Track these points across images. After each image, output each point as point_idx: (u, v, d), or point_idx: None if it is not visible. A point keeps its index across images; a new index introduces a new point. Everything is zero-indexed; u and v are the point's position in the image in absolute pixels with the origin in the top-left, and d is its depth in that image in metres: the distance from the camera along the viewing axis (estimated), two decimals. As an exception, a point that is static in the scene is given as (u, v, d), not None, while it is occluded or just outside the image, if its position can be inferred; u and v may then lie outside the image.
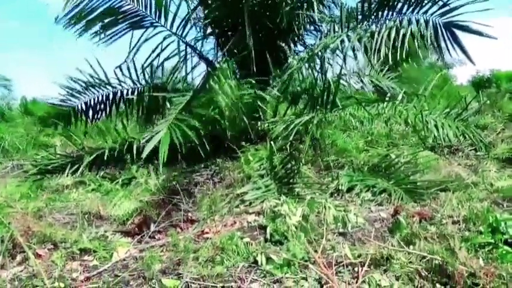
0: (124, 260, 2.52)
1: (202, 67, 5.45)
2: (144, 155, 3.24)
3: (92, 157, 5.06)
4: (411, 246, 2.29)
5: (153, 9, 4.73)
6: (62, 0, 4.34)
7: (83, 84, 5.64)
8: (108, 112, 6.03)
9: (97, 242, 2.71)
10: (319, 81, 5.07)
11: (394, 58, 4.23)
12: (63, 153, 5.94)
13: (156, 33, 4.87)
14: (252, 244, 2.49)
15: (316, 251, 2.19)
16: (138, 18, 4.77)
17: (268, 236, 2.59)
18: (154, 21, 4.84)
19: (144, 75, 5.52)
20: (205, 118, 4.19)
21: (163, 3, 4.58)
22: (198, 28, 5.37)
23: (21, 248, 2.49)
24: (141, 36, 4.76)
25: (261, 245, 2.48)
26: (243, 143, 4.56)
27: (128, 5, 4.66)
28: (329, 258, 2.21)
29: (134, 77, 5.50)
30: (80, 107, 6.01)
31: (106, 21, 4.64)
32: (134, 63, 5.22)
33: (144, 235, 2.96)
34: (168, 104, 5.01)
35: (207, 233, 2.99)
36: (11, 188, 4.29)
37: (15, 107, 10.82)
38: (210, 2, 5.00)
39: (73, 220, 3.21)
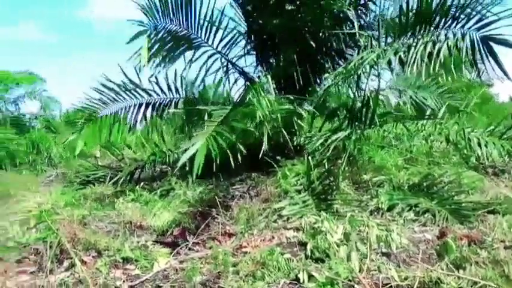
0: (165, 270, 2.54)
1: (242, 82, 5.62)
2: (179, 164, 3.28)
3: (131, 168, 5.21)
4: (461, 271, 2.17)
5: (202, 32, 5.04)
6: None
7: (123, 93, 5.81)
8: (146, 123, 6.19)
9: (138, 251, 2.75)
10: (357, 96, 5.01)
11: (428, 73, 4.15)
12: (104, 164, 6.17)
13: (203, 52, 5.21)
14: (292, 260, 2.45)
15: (360, 271, 2.12)
16: (189, 40, 5.09)
17: (308, 252, 2.54)
18: (203, 42, 5.11)
19: (182, 87, 5.68)
20: (242, 132, 4.21)
21: (211, 27, 4.89)
22: (239, 45, 5.56)
23: (67, 254, 2.57)
24: (192, 56, 5.12)
25: (302, 261, 2.43)
26: (279, 158, 4.55)
27: (184, 31, 5.03)
28: (374, 279, 2.14)
29: (173, 88, 5.67)
30: (119, 118, 6.19)
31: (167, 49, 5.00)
32: (180, 76, 5.46)
33: (182, 246, 2.98)
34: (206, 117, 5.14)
35: (245, 247, 2.98)
36: (56, 196, 4.46)
37: (57, 117, 11.36)
38: (251, 20, 5.15)
39: (115, 229, 3.28)
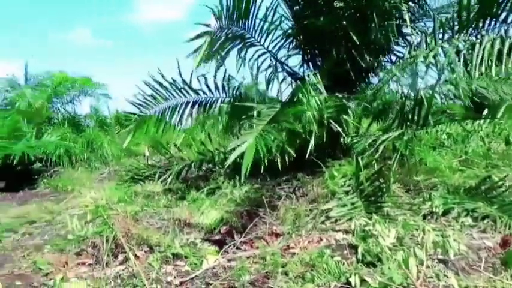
0: (214, 268, 2.57)
1: (289, 81, 5.61)
2: (228, 163, 3.27)
3: (179, 167, 5.35)
4: (529, 282, 2.01)
5: (257, 31, 5.08)
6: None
7: (172, 92, 5.93)
8: (193, 122, 6.31)
9: (188, 248, 2.81)
10: (409, 95, 4.80)
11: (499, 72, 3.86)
12: (153, 162, 6.38)
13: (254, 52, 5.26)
14: (343, 263, 2.39)
15: (417, 278, 2.02)
16: (243, 39, 5.15)
17: (359, 256, 2.46)
18: (255, 41, 5.16)
19: (230, 86, 5.74)
20: (290, 131, 4.18)
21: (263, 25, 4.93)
22: (287, 44, 5.53)
23: (122, 249, 2.67)
24: (245, 55, 5.19)
25: (353, 265, 2.36)
26: (326, 158, 4.47)
27: (241, 30, 5.12)
28: (431, 287, 2.03)
29: (221, 87, 5.73)
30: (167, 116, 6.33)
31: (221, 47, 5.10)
32: (228, 75, 5.53)
33: (230, 245, 3.00)
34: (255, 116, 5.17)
35: (292, 247, 2.95)
36: (109, 192, 4.67)
37: (109, 117, 11.94)
38: (299, 19, 5.11)
39: (165, 225, 3.37)
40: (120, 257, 2.64)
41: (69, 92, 9.58)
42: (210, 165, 5.84)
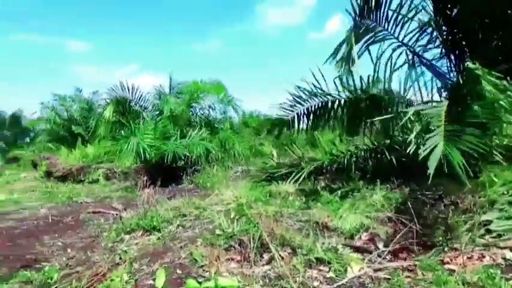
0: (360, 277, 2.44)
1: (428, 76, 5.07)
2: (431, 171, 2.82)
3: (310, 168, 5.32)
4: None
5: (390, 24, 4.76)
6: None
7: (304, 96, 5.95)
8: (324, 123, 6.21)
9: (330, 253, 2.73)
10: None
11: None
12: (282, 162, 6.51)
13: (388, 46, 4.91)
14: (522, 289, 2.01)
15: None
16: (375, 33, 4.89)
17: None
18: (388, 34, 4.84)
19: (362, 85, 5.48)
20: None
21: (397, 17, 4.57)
22: (425, 36, 5.03)
23: (267, 248, 2.74)
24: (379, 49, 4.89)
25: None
26: (479, 162, 3.89)
27: (372, 23, 4.88)
28: None
29: (353, 87, 5.52)
30: (297, 118, 6.37)
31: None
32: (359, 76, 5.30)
33: (374, 253, 2.82)
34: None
35: (447, 263, 2.63)
36: (246, 191, 4.91)
37: (236, 120, 12.77)
38: (442, 6, 4.57)
39: (303, 227, 3.36)
40: (266, 256, 2.70)
41: (205, 97, 10.50)
42: (341, 167, 5.68)
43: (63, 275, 2.87)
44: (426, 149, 2.76)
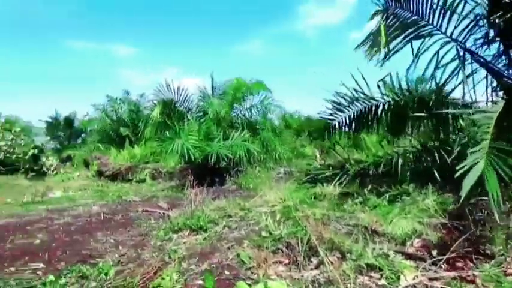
0: (414, 286, 2.34)
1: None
2: (463, 193, 2.61)
3: (355, 170, 5.19)
4: None
5: (435, 17, 4.46)
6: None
7: (348, 99, 5.84)
8: (368, 125, 6.06)
9: (381, 259, 2.64)
10: None
11: None
12: (325, 164, 6.40)
13: (434, 42, 4.55)
14: None
15: None
16: (418, 28, 4.60)
17: None
18: (434, 29, 4.54)
19: (408, 85, 5.26)
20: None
21: (446, 11, 4.26)
22: (478, 31, 4.68)
23: (315, 252, 2.70)
24: (421, 45, 4.56)
25: None
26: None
27: (413, 16, 4.60)
28: None
29: (396, 88, 5.31)
30: (339, 121, 6.26)
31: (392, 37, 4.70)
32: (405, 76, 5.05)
33: (428, 261, 2.69)
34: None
35: (510, 274, 2.46)
36: (289, 193, 4.88)
37: (280, 121, 12.75)
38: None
39: (351, 231, 3.28)
40: (314, 261, 2.66)
41: (246, 98, 10.56)
42: (386, 169, 5.50)
43: (116, 271, 2.98)
44: (465, 166, 2.50)
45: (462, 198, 2.37)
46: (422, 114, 4.78)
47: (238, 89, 10.24)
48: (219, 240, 3.35)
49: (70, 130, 17.46)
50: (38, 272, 3.15)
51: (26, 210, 6.54)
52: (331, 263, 2.57)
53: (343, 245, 2.78)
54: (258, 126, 10.98)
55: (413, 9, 4.75)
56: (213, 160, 7.69)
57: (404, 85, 5.07)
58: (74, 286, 2.81)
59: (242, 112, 10.64)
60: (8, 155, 11.16)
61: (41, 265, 3.34)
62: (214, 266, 2.80)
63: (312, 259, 2.70)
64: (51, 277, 2.88)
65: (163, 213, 5.42)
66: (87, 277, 2.97)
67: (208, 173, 7.98)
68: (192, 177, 5.13)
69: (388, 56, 4.67)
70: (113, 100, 15.21)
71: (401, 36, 4.65)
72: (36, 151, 11.66)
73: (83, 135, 17.92)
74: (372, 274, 2.51)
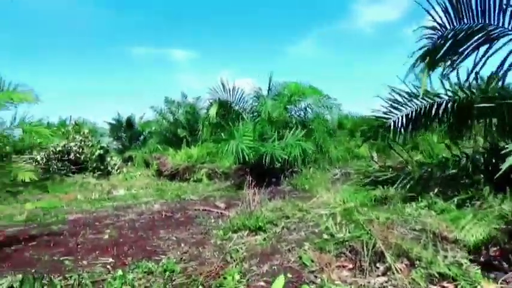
0: (494, 299, 2.16)
1: None
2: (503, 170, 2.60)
3: (419, 172, 4.92)
4: None
5: (505, 19, 4.17)
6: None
7: (406, 96, 5.54)
8: (429, 124, 5.72)
9: (454, 268, 2.47)
10: None
11: None
12: (390, 165, 6.14)
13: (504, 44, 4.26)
14: None
15: None
16: (486, 33, 4.33)
17: None
18: (506, 30, 4.25)
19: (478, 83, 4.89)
20: None
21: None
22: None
23: (381, 257, 2.58)
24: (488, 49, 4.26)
25: None
26: None
27: (478, 24, 4.33)
28: None
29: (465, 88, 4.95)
30: (396, 120, 5.96)
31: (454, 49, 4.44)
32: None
33: (508, 272, 2.47)
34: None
35: None
36: (348, 195, 4.73)
37: (334, 121, 12.48)
38: None
39: (418, 237, 3.11)
40: (381, 267, 2.55)
41: (301, 99, 10.46)
42: (454, 171, 5.16)
43: (180, 269, 3.07)
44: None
45: None
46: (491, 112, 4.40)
47: (294, 92, 10.20)
48: (279, 242, 3.33)
49: (131, 132, 18.42)
50: (107, 266, 3.34)
51: (94, 206, 7.01)
52: (400, 270, 2.45)
53: (412, 251, 2.64)
54: (312, 127, 10.85)
55: (476, 18, 4.46)
56: (267, 160, 7.70)
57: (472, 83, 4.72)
58: (140, 281, 2.92)
59: (297, 113, 10.56)
60: (77, 155, 12.04)
61: (110, 259, 3.54)
62: (276, 267, 2.79)
63: (378, 265, 2.59)
64: (120, 272, 3.03)
65: (221, 213, 5.52)
66: (152, 273, 3.09)
67: (263, 173, 8.00)
68: (250, 178, 5.16)
69: (452, 69, 4.44)
70: (170, 103, 15.87)
71: (465, 45, 4.40)
72: (102, 151, 12.45)
73: (141, 136, 18.85)
74: (445, 284, 2.36)
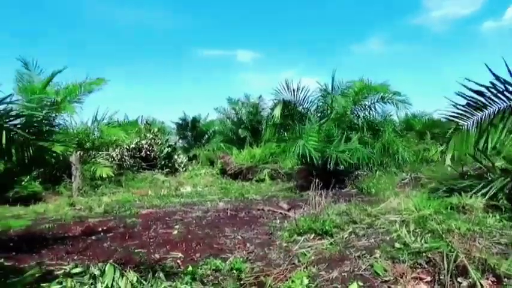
0: None
1: None
2: None
3: (504, 180, 4.51)
4: None
5: None
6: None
7: (488, 94, 5.01)
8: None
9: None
10: None
11: None
12: (469, 172, 5.69)
13: None
14: None
15: None
16: None
17: None
18: None
19: None
20: None
21: None
22: None
23: (463, 271, 2.39)
24: None
25: None
26: None
27: None
28: None
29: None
30: (473, 122, 5.43)
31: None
32: None
33: None
34: None
35: None
36: (420, 201, 4.45)
37: (402, 123, 11.83)
38: None
39: (502, 251, 2.83)
40: (464, 282, 2.35)
41: (368, 98, 10.04)
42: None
43: (247, 268, 3.09)
44: None
45: None
46: None
47: (360, 89, 9.83)
48: (347, 247, 3.23)
49: (195, 131, 19.11)
50: (177, 261, 3.47)
51: (163, 202, 7.37)
52: (486, 287, 2.25)
53: (499, 267, 2.40)
54: (378, 127, 10.39)
55: None
56: (332, 162, 7.52)
57: None
58: (209, 278, 3.00)
59: (362, 112, 10.17)
60: (148, 152, 12.77)
61: (180, 254, 3.69)
62: (346, 274, 2.70)
63: (459, 279, 2.40)
64: (190, 268, 3.13)
65: (284, 214, 5.50)
66: (220, 270, 3.15)
67: (327, 175, 7.83)
68: (316, 180, 5.07)
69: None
70: (233, 103, 16.23)
71: None
72: (170, 149, 13.08)
73: (205, 136, 19.49)
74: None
